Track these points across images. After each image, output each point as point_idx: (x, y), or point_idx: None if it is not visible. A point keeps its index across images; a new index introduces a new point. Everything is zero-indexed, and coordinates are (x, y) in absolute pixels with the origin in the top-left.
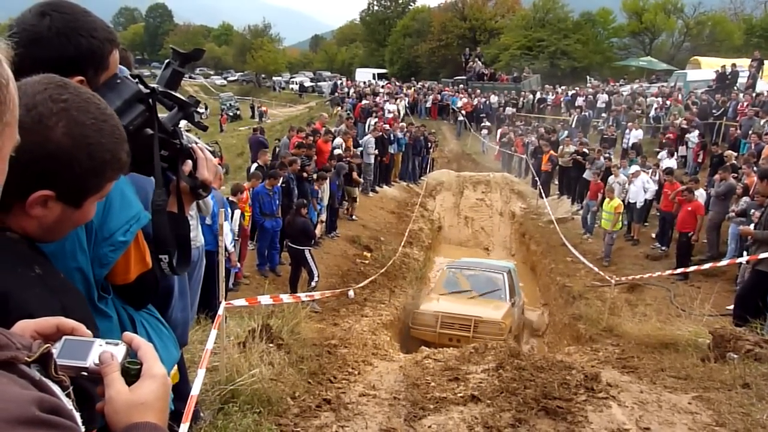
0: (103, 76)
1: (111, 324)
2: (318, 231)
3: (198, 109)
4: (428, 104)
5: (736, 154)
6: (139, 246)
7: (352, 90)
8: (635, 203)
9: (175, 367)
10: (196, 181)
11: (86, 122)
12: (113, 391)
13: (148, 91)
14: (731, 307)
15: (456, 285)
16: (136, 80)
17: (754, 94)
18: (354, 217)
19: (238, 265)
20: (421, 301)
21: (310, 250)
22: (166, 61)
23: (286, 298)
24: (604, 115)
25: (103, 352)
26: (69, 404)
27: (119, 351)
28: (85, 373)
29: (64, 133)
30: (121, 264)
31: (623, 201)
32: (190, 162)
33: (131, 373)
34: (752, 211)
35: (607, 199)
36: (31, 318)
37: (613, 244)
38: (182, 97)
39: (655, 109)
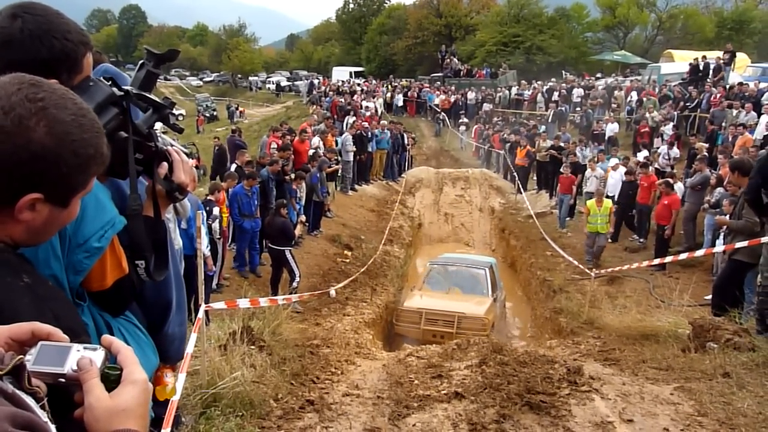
0: (76, 79)
1: (87, 331)
2: (298, 230)
3: (174, 112)
4: (399, 102)
5: (707, 146)
6: (115, 251)
7: (327, 88)
8: (614, 196)
9: (173, 381)
10: (172, 184)
11: (66, 119)
12: (93, 398)
13: (122, 93)
14: (709, 296)
15: (439, 281)
16: (110, 82)
17: (727, 86)
18: (329, 213)
19: (214, 268)
20: (404, 298)
21: (290, 250)
22: (140, 62)
23: (263, 301)
24: (578, 109)
25: (81, 357)
26: (44, 416)
27: (98, 356)
28: (63, 380)
29: (47, 133)
30: (96, 270)
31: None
32: (165, 165)
33: (111, 378)
34: (723, 200)
35: (594, 201)
36: None
37: (605, 245)
38: (157, 99)
39: (629, 102)
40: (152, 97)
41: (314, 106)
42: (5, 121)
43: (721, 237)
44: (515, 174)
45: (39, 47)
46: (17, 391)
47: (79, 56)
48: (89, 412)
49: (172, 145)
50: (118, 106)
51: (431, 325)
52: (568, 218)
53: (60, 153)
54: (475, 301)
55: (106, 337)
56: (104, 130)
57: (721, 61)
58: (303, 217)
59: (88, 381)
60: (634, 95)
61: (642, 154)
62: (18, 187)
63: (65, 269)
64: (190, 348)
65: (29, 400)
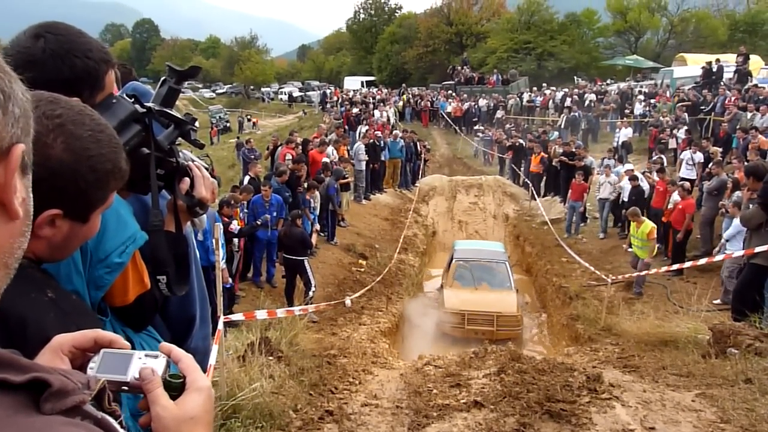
0: (98, 97)
1: None
2: (313, 239)
3: (195, 127)
4: (390, 116)
5: (721, 150)
6: (137, 267)
7: (340, 99)
8: (628, 201)
9: None
10: (194, 199)
11: (84, 135)
12: (159, 408)
13: (145, 110)
14: (717, 300)
15: (467, 277)
16: (132, 99)
17: (743, 89)
18: (342, 222)
19: (230, 281)
20: (440, 296)
21: (308, 259)
22: (162, 78)
23: (281, 312)
24: (589, 115)
25: (143, 367)
26: None
27: (159, 364)
28: (126, 388)
29: (64, 149)
30: (119, 285)
31: (617, 199)
32: (187, 180)
33: (173, 386)
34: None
35: (634, 224)
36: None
37: (648, 269)
38: (179, 115)
39: (644, 106)
40: (174, 113)
41: (326, 115)
42: None
43: (725, 238)
44: (527, 181)
45: (61, 67)
46: (105, 416)
47: (101, 74)
48: (157, 422)
49: (193, 161)
50: (140, 123)
51: (473, 324)
52: (582, 224)
53: (78, 169)
54: (504, 296)
55: (165, 345)
56: (126, 146)
57: (747, 67)
58: (317, 226)
59: (153, 391)
60: (642, 98)
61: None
62: (37, 203)
63: (87, 284)
64: (212, 359)
65: (112, 421)
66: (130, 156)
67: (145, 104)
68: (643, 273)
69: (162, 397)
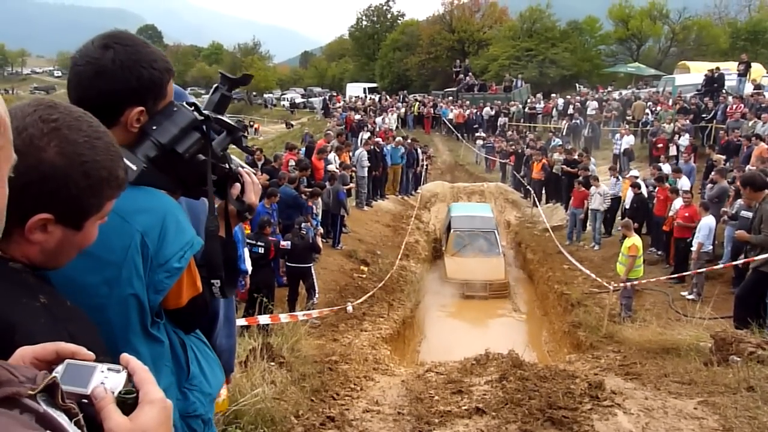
0: (160, 105)
1: (163, 349)
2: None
3: (245, 134)
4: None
5: (724, 157)
6: (191, 271)
7: (339, 105)
8: (630, 209)
9: (225, 393)
10: (244, 204)
11: (78, 140)
12: (112, 424)
13: (203, 118)
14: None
15: (463, 245)
16: (192, 108)
17: (749, 94)
18: (344, 228)
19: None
20: (442, 263)
21: (313, 265)
22: (215, 85)
23: (284, 317)
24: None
25: (96, 386)
26: None
27: (120, 378)
28: (86, 401)
29: (57, 153)
30: (174, 289)
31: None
32: (238, 185)
33: (127, 402)
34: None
35: (627, 238)
36: None
37: (632, 297)
38: (231, 122)
39: (646, 114)
40: (227, 120)
41: (330, 121)
42: (17, 141)
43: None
44: (529, 188)
45: (129, 77)
46: (49, 410)
47: (165, 83)
48: None
49: (242, 167)
50: (199, 131)
51: (470, 290)
52: (583, 231)
53: (70, 174)
54: (494, 263)
55: (125, 356)
56: (186, 153)
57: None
58: (321, 230)
59: (104, 408)
60: (648, 105)
61: (666, 167)
62: (28, 207)
63: (146, 288)
64: None
65: (62, 418)
66: (188, 162)
67: (203, 112)
68: (613, 287)
69: (113, 413)
